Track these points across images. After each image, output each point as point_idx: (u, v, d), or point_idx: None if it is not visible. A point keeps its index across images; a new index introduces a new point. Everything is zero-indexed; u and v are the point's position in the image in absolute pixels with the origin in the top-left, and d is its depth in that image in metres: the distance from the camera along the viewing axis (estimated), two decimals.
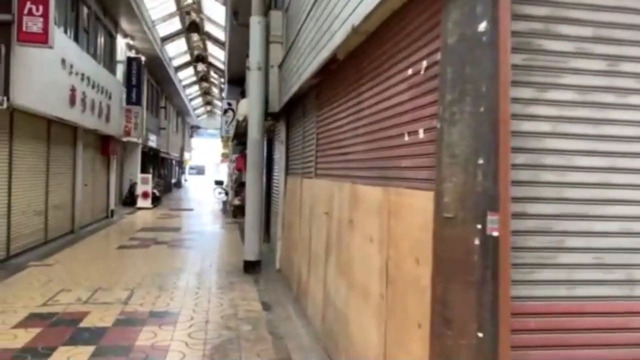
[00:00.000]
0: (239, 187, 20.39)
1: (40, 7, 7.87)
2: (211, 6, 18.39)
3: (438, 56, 2.62)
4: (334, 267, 4.76)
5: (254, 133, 8.50)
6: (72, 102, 11.07)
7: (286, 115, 8.65)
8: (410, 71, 3.04)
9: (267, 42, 8.54)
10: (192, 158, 58.30)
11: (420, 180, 2.84)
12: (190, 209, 21.40)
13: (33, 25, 7.85)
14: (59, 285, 7.11)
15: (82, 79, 11.76)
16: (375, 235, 3.50)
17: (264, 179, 10.33)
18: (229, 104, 22.68)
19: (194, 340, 5.07)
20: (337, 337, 4.50)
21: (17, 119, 9.01)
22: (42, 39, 7.89)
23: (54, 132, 11.05)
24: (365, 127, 3.94)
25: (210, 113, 52.47)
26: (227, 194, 29.65)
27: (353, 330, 4.02)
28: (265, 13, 8.66)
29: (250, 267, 8.45)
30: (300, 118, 7.27)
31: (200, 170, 71.40)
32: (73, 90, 11.08)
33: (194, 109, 44.47)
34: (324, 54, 4.71)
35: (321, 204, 5.42)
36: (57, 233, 11.46)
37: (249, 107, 8.54)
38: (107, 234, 12.98)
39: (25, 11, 7.81)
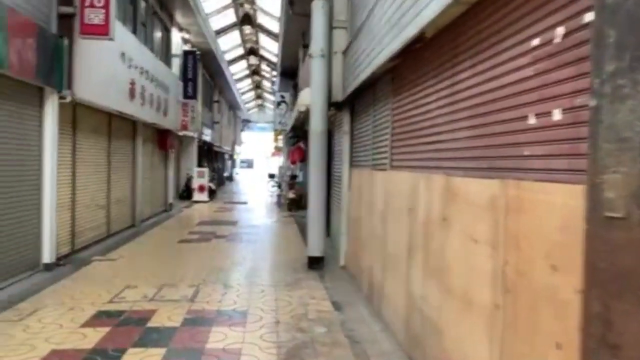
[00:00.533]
0: (292, 180, 20.19)
1: None
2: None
3: (586, 18, 2.13)
4: (419, 269, 4.32)
5: (317, 124, 8.13)
6: (132, 95, 11.05)
7: (350, 104, 8.23)
8: (536, 41, 2.55)
9: (330, 27, 8.14)
10: (243, 152, 58.88)
11: (554, 171, 2.36)
12: (245, 202, 21.38)
13: (95, 17, 7.75)
14: (124, 281, 6.99)
15: (141, 73, 11.73)
16: (483, 236, 3.03)
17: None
18: (282, 97, 22.52)
19: (266, 343, 4.76)
20: (425, 346, 4.06)
21: (79, 112, 9.00)
22: (103, 30, 7.79)
23: (115, 126, 11.07)
24: (463, 111, 3.47)
25: (260, 107, 52.76)
26: (280, 187, 29.66)
27: (448, 341, 3.57)
28: None
29: (315, 263, 8.12)
30: (369, 106, 6.84)
31: (250, 164, 72.22)
32: (132, 83, 11.06)
33: (245, 103, 44.74)
34: (409, 33, 4.24)
35: (400, 199, 4.98)
36: (119, 227, 11.52)
37: (312, 97, 8.18)
38: (166, 228, 13.00)
39: (87, 3, 7.72)
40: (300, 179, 20.43)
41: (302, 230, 12.84)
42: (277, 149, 34.71)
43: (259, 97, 47.19)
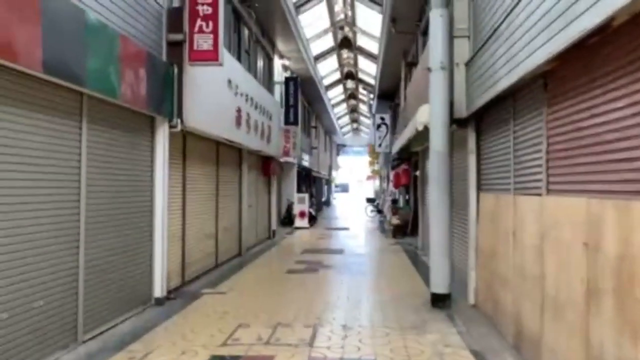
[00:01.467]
0: (394, 204, 19.31)
1: (210, 24, 7.57)
2: (365, 17, 17.70)
3: None
4: (610, 320, 3.33)
5: (437, 143, 7.30)
6: (238, 123, 10.89)
7: (476, 120, 7.33)
8: None
9: (450, 37, 7.34)
10: (338, 176, 58.85)
11: None
12: (346, 228, 20.76)
13: (203, 42, 7.56)
14: (236, 318, 6.52)
15: (246, 100, 11.60)
16: None
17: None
18: (382, 118, 21.87)
19: None
20: None
21: (189, 141, 8.88)
22: (212, 56, 7.58)
23: (222, 154, 10.95)
24: None
25: (355, 130, 52.53)
26: (379, 211, 28.83)
27: None
28: (446, 4, 7.47)
29: (439, 301, 7.19)
30: (506, 120, 5.91)
31: (344, 188, 72.14)
32: (239, 111, 10.91)
33: (340, 127, 44.67)
34: (583, 25, 3.36)
35: (569, 231, 4.02)
36: (226, 256, 11.31)
37: (431, 114, 7.38)
38: (272, 256, 12.64)
39: (196, 29, 7.56)
40: (400, 203, 19.52)
41: (413, 260, 11.94)
42: (375, 172, 33.96)
43: (354, 120, 46.99)
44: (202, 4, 7.59)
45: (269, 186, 16.64)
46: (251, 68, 13.48)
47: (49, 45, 4.53)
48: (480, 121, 7.29)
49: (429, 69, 7.38)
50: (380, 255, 13.11)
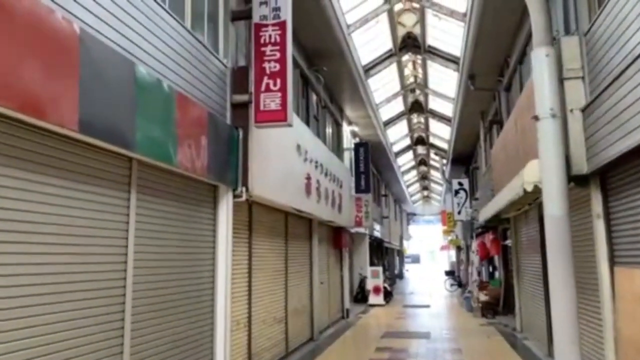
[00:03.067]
0: (482, 279, 17.43)
1: (278, 81, 6.80)
2: (439, 77, 16.81)
3: None
4: None
5: (553, 206, 5.89)
6: (308, 191, 9.95)
7: (600, 177, 5.94)
8: None
9: (559, 80, 6.13)
10: (409, 246, 56.51)
11: None
12: (427, 306, 18.87)
13: (271, 102, 6.77)
14: None
15: (316, 167, 10.71)
16: None
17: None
18: (460, 184, 20.40)
19: None
20: None
21: (255, 212, 7.97)
22: (281, 116, 6.74)
23: (291, 225, 9.97)
24: None
25: (426, 198, 50.72)
26: (460, 285, 26.56)
27: None
28: (551, 43, 6.33)
29: None
30: None
31: (415, 259, 69.10)
32: (308, 178, 10.00)
33: (411, 195, 43.16)
34: None
35: None
36: (298, 342, 10.03)
37: (542, 171, 6.06)
38: (349, 342, 11.20)
39: (263, 87, 6.80)
40: (483, 276, 17.53)
41: (513, 344, 10.15)
42: (453, 242, 31.88)
43: (424, 188, 45.35)
44: (269, 61, 6.87)
45: (340, 260, 15.40)
46: (320, 134, 12.73)
47: (87, 100, 3.76)
48: (606, 178, 5.90)
49: (535, 118, 6.14)
50: (473, 339, 11.31)
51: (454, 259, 40.97)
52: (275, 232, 9.10)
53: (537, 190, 6.39)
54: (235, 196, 6.76)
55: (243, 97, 6.92)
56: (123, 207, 4.56)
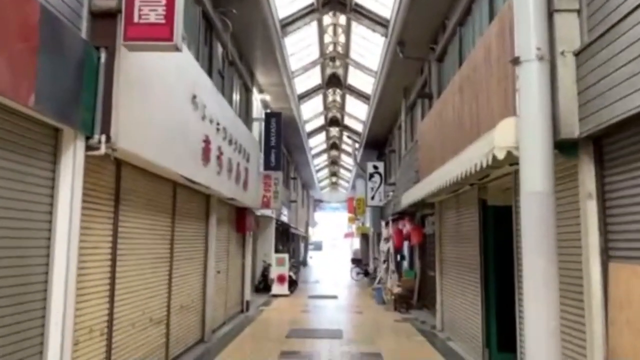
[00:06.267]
0: (398, 268, 16.27)
1: None
2: (364, 45, 15.20)
3: None
4: None
5: (534, 180, 4.38)
6: (206, 158, 7.86)
7: (594, 143, 4.51)
8: None
9: (547, 13, 4.61)
10: (314, 233, 55.54)
11: None
12: (334, 296, 17.41)
13: (151, 11, 4.63)
14: None
15: (218, 130, 8.61)
16: None
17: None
18: (375, 167, 19.12)
19: None
20: None
21: (126, 176, 5.78)
22: (164, 33, 4.62)
23: (181, 200, 7.84)
24: None
25: (334, 185, 49.77)
26: (366, 274, 25.55)
27: None
28: None
29: None
30: None
31: (318, 246, 68.34)
32: (207, 142, 7.90)
33: (319, 181, 41.84)
34: None
35: None
36: (182, 346, 7.97)
37: (521, 133, 4.53)
38: (247, 342, 9.28)
39: None
40: (392, 265, 16.42)
41: (439, 348, 8.81)
42: (360, 229, 30.99)
43: (333, 174, 44.25)
44: None
45: (243, 246, 13.39)
46: (225, 95, 10.59)
47: None
48: (603, 146, 4.47)
49: (516, 60, 4.58)
50: (392, 341, 9.87)
51: (357, 246, 40.38)
52: (158, 206, 6.94)
53: (510, 160, 4.86)
54: (89, 147, 4.57)
55: (109, 3, 4.71)
56: None
